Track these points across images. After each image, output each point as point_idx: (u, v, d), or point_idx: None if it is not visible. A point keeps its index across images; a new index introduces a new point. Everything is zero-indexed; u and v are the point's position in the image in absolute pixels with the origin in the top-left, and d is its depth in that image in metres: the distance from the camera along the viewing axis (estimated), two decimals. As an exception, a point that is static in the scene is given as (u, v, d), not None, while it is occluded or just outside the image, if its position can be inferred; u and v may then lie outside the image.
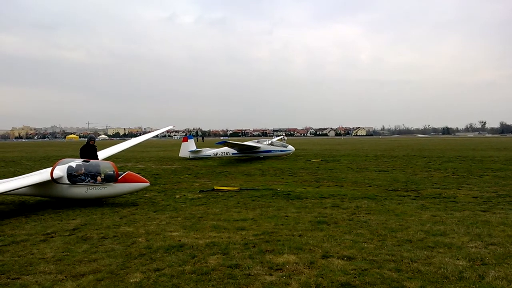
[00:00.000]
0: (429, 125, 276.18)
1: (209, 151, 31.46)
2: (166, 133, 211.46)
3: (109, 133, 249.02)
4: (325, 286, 5.33)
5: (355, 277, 5.61)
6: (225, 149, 30.86)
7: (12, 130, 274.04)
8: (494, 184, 15.12)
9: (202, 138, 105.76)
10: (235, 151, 30.54)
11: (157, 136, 31.48)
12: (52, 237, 8.15)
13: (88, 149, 13.83)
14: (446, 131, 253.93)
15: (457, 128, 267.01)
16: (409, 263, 6.15)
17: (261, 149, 30.94)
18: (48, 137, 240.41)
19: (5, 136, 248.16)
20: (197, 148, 31.75)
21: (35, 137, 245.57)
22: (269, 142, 33.20)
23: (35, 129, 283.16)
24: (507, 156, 30.98)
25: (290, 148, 32.26)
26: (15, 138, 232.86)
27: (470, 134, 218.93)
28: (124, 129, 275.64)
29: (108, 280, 5.66)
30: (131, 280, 5.65)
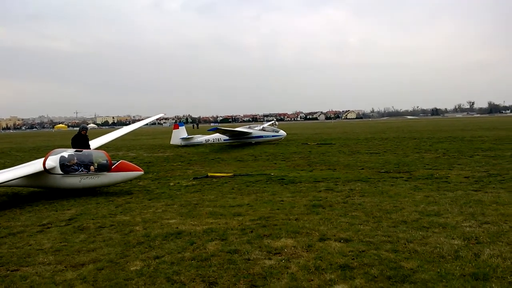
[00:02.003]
0: (418, 107, 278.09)
1: (200, 138, 31.40)
2: (155, 121, 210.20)
3: (97, 122, 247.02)
4: (324, 268, 5.40)
5: (353, 259, 5.68)
6: (217, 135, 30.81)
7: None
8: (485, 163, 15.31)
9: (197, 125, 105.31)
10: (227, 137, 30.50)
11: (146, 124, 31.24)
12: (49, 227, 8.12)
13: (80, 139, 13.73)
14: (435, 112, 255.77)
15: (445, 109, 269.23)
16: (405, 244, 6.24)
17: (253, 135, 30.95)
18: (36, 127, 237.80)
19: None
20: (188, 135, 31.64)
21: (23, 128, 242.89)
22: (261, 127, 33.19)
23: (22, 119, 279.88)
24: (496, 135, 31.33)
25: (282, 133, 32.29)
26: (3, 129, 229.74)
27: (459, 115, 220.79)
28: (113, 117, 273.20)
29: (108, 269, 5.68)
30: (132, 268, 5.67)
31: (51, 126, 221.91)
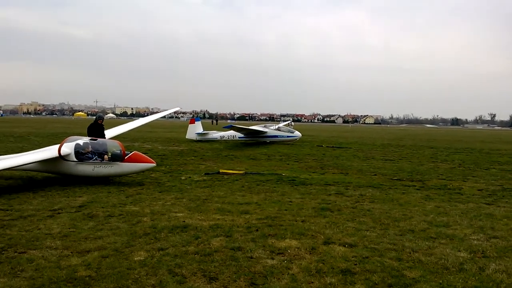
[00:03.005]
0: (438, 116, 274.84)
1: (215, 134, 31.50)
2: (173, 114, 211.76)
3: (116, 112, 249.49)
4: (326, 271, 5.40)
5: (355, 264, 5.67)
6: (232, 132, 30.85)
7: (20, 105, 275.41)
8: (501, 177, 15.07)
9: (216, 121, 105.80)
10: (242, 135, 30.55)
11: (164, 117, 31.48)
12: (59, 213, 8.27)
13: (96, 128, 13.92)
14: (455, 122, 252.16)
15: (466, 119, 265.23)
16: (410, 253, 6.19)
17: (268, 134, 30.93)
18: (56, 114, 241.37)
19: (14, 111, 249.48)
20: (204, 130, 31.78)
21: (43, 113, 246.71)
22: (276, 127, 33.15)
23: (43, 105, 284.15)
24: (515, 149, 30.75)
25: (297, 133, 32.21)
26: (23, 113, 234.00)
27: (479, 126, 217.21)
28: (132, 108, 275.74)
29: (112, 257, 5.77)
30: (135, 258, 5.75)
31: (71, 113, 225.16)
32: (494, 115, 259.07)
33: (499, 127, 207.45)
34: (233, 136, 30.78)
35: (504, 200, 10.63)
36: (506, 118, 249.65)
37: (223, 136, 31.06)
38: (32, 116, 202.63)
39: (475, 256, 6.12)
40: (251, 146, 27.47)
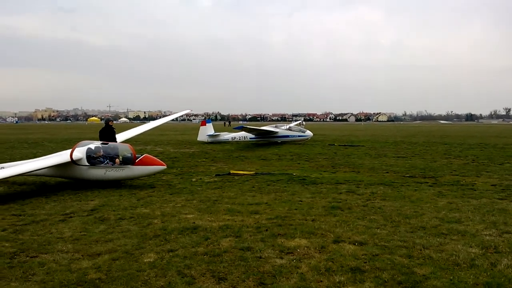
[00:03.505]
0: (452, 111, 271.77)
1: (227, 135, 31.54)
2: (185, 116, 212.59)
3: (129, 116, 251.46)
4: (335, 270, 5.37)
5: (365, 262, 5.64)
6: (243, 133, 30.85)
7: (35, 112, 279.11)
8: (515, 172, 14.84)
9: (229, 122, 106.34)
10: (253, 136, 30.55)
11: (176, 119, 31.77)
12: (71, 217, 8.36)
13: (107, 132, 14.05)
14: (470, 117, 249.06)
15: (480, 114, 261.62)
16: (421, 250, 6.14)
17: (279, 134, 30.89)
18: (70, 120, 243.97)
19: (29, 118, 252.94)
20: (215, 132, 31.85)
21: (58, 119, 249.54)
22: (287, 127, 33.10)
23: (57, 111, 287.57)
24: (530, 144, 30.28)
25: (308, 133, 32.11)
26: (38, 120, 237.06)
27: (494, 121, 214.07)
28: (145, 112, 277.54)
29: (123, 260, 5.81)
30: (145, 260, 5.79)
31: (84, 119, 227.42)
32: (509, 110, 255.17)
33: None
34: (245, 137, 30.79)
35: (518, 195, 10.47)
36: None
37: (234, 137, 31.09)
38: (46, 122, 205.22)
39: (487, 252, 6.04)
40: (262, 147, 27.47)
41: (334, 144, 29.70)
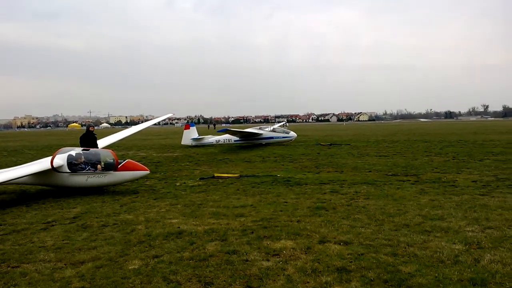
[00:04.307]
0: (431, 109, 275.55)
1: (211, 139, 31.41)
2: (168, 120, 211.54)
3: (111, 121, 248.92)
4: (321, 270, 5.38)
5: (351, 262, 5.66)
6: (227, 136, 30.80)
7: (14, 119, 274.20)
8: (494, 168, 15.12)
9: (214, 125, 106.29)
10: (237, 138, 30.51)
11: (159, 124, 31.52)
12: (53, 225, 8.21)
13: (88, 138, 13.87)
14: (449, 115, 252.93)
15: (459, 112, 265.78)
16: (405, 248, 6.19)
17: (263, 136, 30.93)
18: (50, 126, 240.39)
19: (8, 126, 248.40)
20: (199, 135, 31.68)
21: (37, 126, 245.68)
22: (271, 128, 33.18)
23: (37, 118, 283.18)
24: (508, 139, 30.89)
25: (292, 134, 32.24)
26: (17, 127, 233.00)
27: (473, 118, 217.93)
28: (126, 117, 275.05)
29: (107, 267, 5.73)
30: (130, 267, 5.71)
31: (65, 125, 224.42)
32: (487, 106, 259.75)
33: (493, 118, 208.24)
34: (229, 139, 30.73)
35: (498, 190, 10.66)
36: (499, 108, 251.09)
37: (219, 140, 30.99)
38: (26, 129, 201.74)
39: (470, 248, 6.12)
40: (245, 149, 27.44)
41: (321, 144, 29.88)
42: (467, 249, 6.06)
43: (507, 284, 4.83)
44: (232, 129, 31.93)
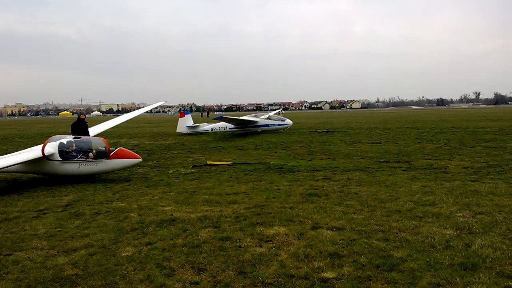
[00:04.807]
0: (423, 97, 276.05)
1: (206, 126, 31.26)
2: (160, 108, 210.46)
3: (102, 109, 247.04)
4: (314, 256, 5.42)
5: (343, 247, 5.70)
6: (223, 124, 30.66)
7: (4, 107, 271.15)
8: (485, 154, 15.24)
9: (207, 113, 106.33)
10: (233, 126, 30.40)
11: (151, 111, 31.35)
12: (45, 213, 8.18)
13: (79, 125, 13.76)
14: (441, 102, 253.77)
15: (451, 99, 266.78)
16: (397, 233, 6.24)
17: (259, 123, 30.83)
18: (41, 114, 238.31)
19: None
20: (194, 123, 31.50)
21: (28, 114, 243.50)
22: (267, 116, 33.09)
23: (27, 106, 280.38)
24: (499, 126, 31.14)
25: (288, 121, 32.20)
26: (8, 115, 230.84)
27: (465, 105, 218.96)
28: (118, 105, 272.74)
29: (100, 255, 5.72)
30: (123, 254, 5.72)
31: (56, 113, 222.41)
32: (479, 94, 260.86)
33: (484, 105, 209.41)
34: (224, 127, 30.59)
35: (489, 176, 10.75)
36: (490, 95, 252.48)
37: (214, 128, 30.84)
38: (16, 117, 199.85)
39: (461, 233, 6.18)
40: (239, 137, 27.42)
41: (316, 131, 29.95)
42: (458, 234, 6.12)
43: (497, 268, 4.89)
44: (227, 116, 31.82)
